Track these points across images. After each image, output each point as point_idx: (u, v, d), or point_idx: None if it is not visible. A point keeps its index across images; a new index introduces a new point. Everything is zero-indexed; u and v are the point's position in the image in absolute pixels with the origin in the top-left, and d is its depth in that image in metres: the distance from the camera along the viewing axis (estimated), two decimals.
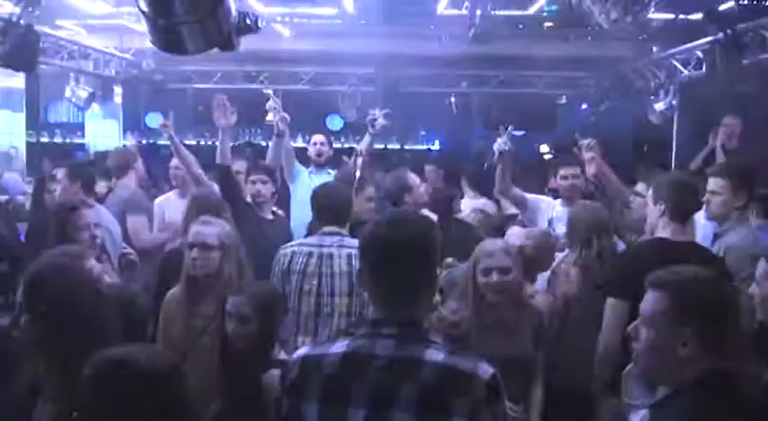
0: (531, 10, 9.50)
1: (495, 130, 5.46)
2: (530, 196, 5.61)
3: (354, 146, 13.46)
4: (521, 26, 10.43)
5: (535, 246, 4.10)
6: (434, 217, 4.61)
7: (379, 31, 10.61)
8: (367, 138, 6.07)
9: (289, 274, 4.11)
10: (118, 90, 13.16)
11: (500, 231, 5.46)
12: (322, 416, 1.93)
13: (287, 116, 5.93)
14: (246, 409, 2.98)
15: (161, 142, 12.99)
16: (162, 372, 2.07)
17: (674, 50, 9.61)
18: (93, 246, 4.01)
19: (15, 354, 2.65)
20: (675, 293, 1.99)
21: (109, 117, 13.73)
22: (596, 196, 5.36)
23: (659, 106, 10.36)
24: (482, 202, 6.83)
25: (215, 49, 3.96)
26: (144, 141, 13.62)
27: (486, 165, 7.37)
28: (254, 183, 5.24)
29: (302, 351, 2.12)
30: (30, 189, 7.50)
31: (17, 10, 7.59)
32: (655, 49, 10.67)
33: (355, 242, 2.70)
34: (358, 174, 5.42)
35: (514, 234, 4.58)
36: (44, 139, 15.03)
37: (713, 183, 4.08)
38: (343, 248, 4.06)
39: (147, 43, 4.05)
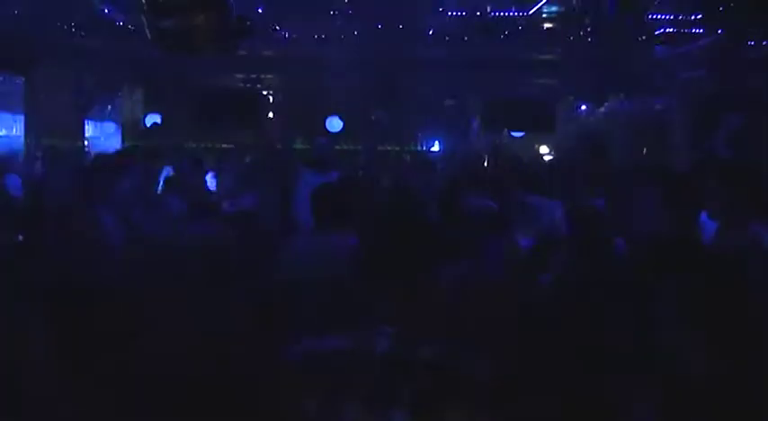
0: (531, 11, 9.51)
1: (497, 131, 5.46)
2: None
3: (354, 147, 13.55)
4: (520, 27, 10.44)
5: None
6: None
7: (379, 32, 10.62)
8: None
9: None
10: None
11: None
12: None
13: None
14: None
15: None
16: None
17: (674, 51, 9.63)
18: None
19: None
20: None
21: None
22: None
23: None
24: None
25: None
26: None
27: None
28: None
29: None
30: None
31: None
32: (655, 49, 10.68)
33: None
34: None
35: None
36: None
37: (714, 182, 4.08)
38: None
39: (148, 44, 4.06)
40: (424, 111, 14.34)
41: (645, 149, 13.03)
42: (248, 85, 13.73)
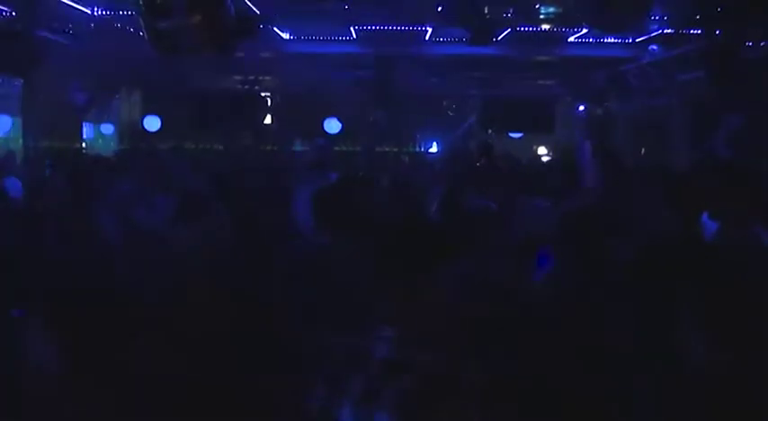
0: (529, 11, 9.50)
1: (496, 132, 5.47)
2: None
3: (352, 148, 13.55)
4: (518, 28, 10.43)
5: None
6: None
7: (377, 33, 10.62)
8: None
9: None
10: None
11: None
12: None
13: None
14: None
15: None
16: None
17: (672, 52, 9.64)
18: None
19: None
20: None
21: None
22: None
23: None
24: None
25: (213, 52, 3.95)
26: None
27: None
28: None
29: None
30: None
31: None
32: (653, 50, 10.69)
33: None
34: None
35: None
36: None
37: (714, 183, 4.07)
38: None
39: (146, 47, 4.05)
40: (423, 112, 14.34)
41: (643, 150, 13.06)
42: (246, 87, 13.73)
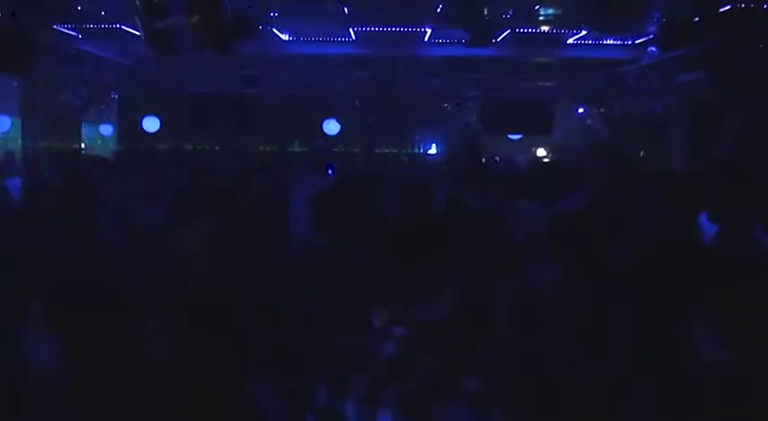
0: (529, 13, 9.50)
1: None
2: None
3: (351, 150, 13.54)
4: (517, 29, 10.43)
5: None
6: None
7: (376, 34, 10.62)
8: None
9: None
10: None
11: None
12: None
13: None
14: None
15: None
16: None
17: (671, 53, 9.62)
18: None
19: None
20: None
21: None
22: None
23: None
24: None
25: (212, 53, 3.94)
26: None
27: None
28: None
29: None
30: None
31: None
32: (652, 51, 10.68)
33: None
34: None
35: None
36: None
37: (714, 184, 4.05)
38: None
39: (144, 47, 4.04)
40: (422, 113, 14.34)
41: (642, 152, 13.06)
42: (245, 88, 13.71)
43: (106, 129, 15.37)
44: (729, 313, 2.07)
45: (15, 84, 12.18)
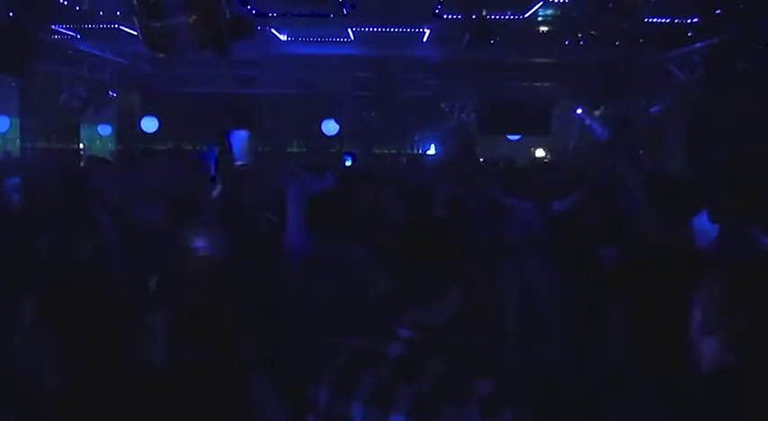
0: (527, 14, 9.49)
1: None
2: None
3: (350, 150, 13.52)
4: (516, 30, 10.42)
5: None
6: None
7: (374, 36, 10.61)
8: None
9: None
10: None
11: None
12: None
13: None
14: None
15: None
16: None
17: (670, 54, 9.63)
18: None
19: None
20: None
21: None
22: None
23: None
24: None
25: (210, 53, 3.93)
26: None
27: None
28: None
29: None
30: None
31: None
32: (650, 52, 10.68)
33: None
34: None
35: None
36: None
37: (713, 185, 4.04)
38: None
39: (142, 47, 4.03)
40: (420, 114, 14.34)
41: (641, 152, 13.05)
42: (244, 88, 13.70)
43: (105, 130, 15.36)
44: (730, 315, 2.06)
45: (14, 84, 12.16)
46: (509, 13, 9.44)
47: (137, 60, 11.80)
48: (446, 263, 2.08)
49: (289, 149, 14.28)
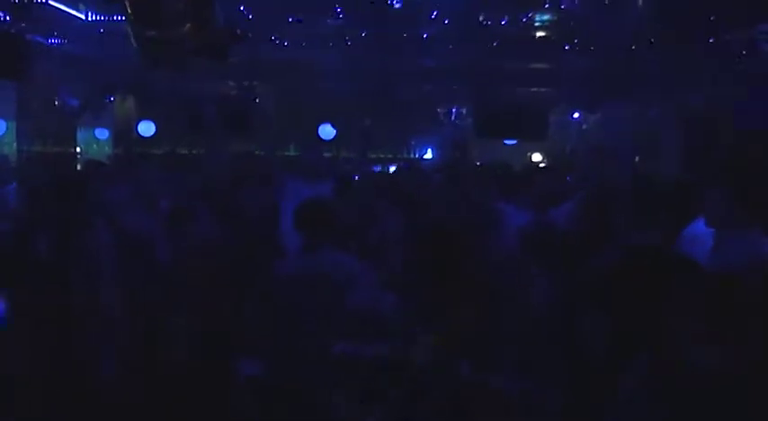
0: (524, 19, 9.51)
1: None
2: None
3: (347, 155, 13.53)
4: (512, 35, 10.43)
5: None
6: None
7: (372, 39, 10.61)
8: None
9: None
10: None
11: None
12: None
13: None
14: None
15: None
16: None
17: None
18: None
19: None
20: None
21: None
22: None
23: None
24: None
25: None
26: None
27: None
28: None
29: None
30: None
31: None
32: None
33: None
34: None
35: None
36: None
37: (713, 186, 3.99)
38: None
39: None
40: (417, 118, 14.35)
41: (637, 158, 13.06)
42: (240, 93, 13.69)
43: (102, 133, 15.33)
44: (724, 321, 2.06)
45: (10, 88, 12.13)
46: (506, 19, 9.46)
47: (133, 64, 11.78)
48: (453, 273, 2.08)
49: (285, 153, 14.25)
